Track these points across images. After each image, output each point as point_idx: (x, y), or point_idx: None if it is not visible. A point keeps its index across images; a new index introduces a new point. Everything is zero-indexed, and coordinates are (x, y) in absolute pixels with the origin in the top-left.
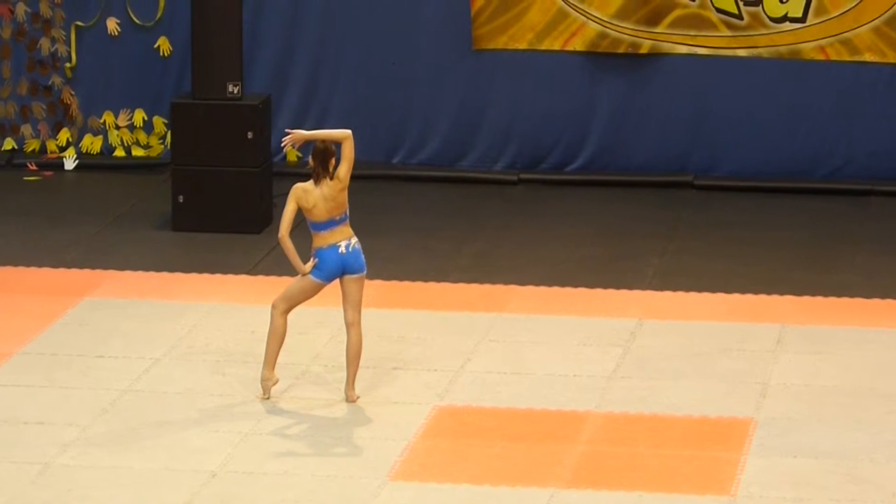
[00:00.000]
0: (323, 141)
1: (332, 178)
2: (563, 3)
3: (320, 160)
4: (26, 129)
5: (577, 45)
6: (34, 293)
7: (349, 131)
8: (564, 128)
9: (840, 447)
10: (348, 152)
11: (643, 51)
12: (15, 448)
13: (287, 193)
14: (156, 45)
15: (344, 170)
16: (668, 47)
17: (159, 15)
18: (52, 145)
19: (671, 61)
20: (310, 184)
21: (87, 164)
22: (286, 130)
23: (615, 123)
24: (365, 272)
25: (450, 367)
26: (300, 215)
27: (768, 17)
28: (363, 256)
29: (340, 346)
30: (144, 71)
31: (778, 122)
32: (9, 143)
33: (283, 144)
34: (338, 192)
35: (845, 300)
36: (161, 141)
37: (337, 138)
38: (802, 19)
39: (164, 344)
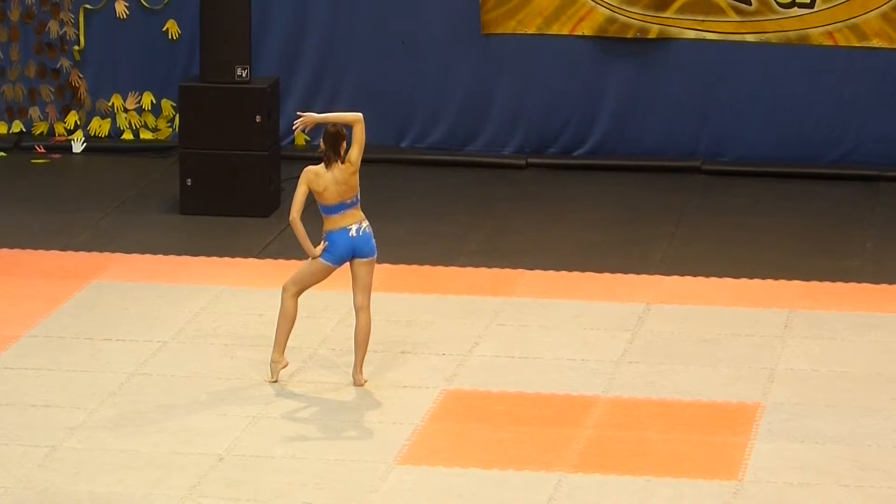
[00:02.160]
0: (334, 124)
1: (343, 162)
2: None
3: (331, 143)
4: (34, 112)
5: (586, 29)
6: (42, 276)
7: (360, 114)
8: (573, 112)
9: (847, 433)
10: (360, 135)
11: (652, 36)
12: (22, 431)
13: (296, 177)
14: (164, 28)
15: (355, 153)
16: (676, 32)
17: None
18: (60, 128)
19: (680, 46)
20: (321, 167)
21: (95, 147)
22: (297, 112)
23: (623, 108)
24: (375, 256)
25: (458, 351)
26: (310, 198)
27: (777, 2)
28: (374, 240)
29: (349, 330)
30: (153, 54)
31: (786, 108)
32: (17, 126)
33: (294, 127)
34: (349, 176)
35: (853, 286)
36: (169, 124)
37: (348, 121)
38: (811, 5)
39: (172, 327)
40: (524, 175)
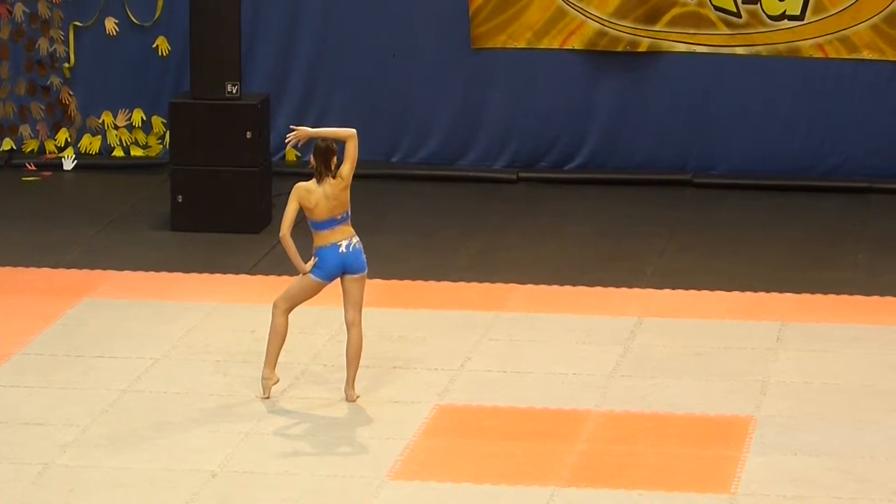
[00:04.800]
0: (325, 139)
1: (334, 177)
2: (561, 1)
3: (322, 159)
4: (25, 130)
5: (576, 43)
6: (33, 294)
7: (353, 130)
8: (563, 126)
9: (840, 445)
10: (352, 151)
11: (642, 49)
12: (15, 449)
13: (286, 193)
14: (154, 45)
15: (347, 169)
16: (666, 45)
17: (158, 15)
18: (50, 145)
19: (670, 59)
20: (312, 183)
21: (85, 164)
22: (291, 126)
23: (614, 122)
24: (366, 272)
25: (450, 366)
26: (301, 214)
27: (767, 14)
28: (364, 256)
29: (340, 346)
30: (143, 71)
31: (776, 120)
32: (7, 144)
33: (287, 141)
34: (340, 191)
35: (845, 298)
36: (160, 141)
37: (341, 137)
38: (801, 17)
39: (163, 344)
40: (515, 189)
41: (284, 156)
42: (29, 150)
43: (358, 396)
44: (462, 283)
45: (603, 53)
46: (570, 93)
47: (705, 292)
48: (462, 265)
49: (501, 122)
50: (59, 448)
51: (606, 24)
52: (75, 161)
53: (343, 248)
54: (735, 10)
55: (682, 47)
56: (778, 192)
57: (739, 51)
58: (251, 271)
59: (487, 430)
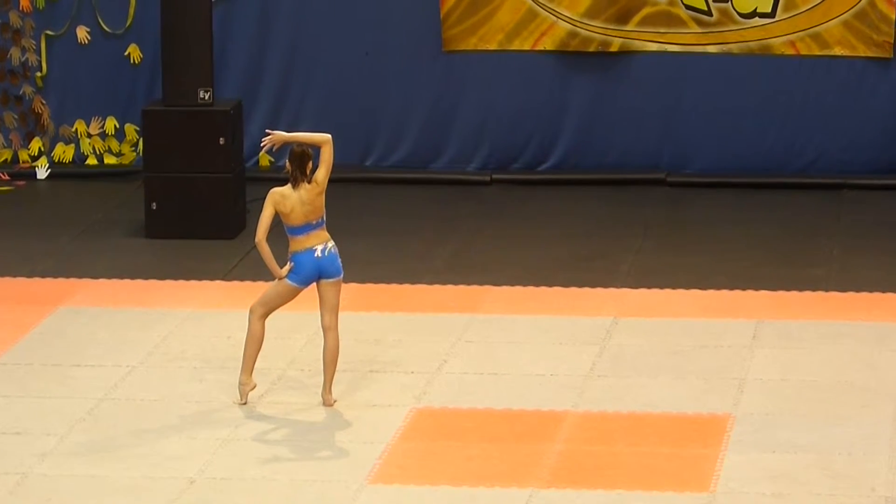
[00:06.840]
0: (300, 144)
1: (309, 182)
2: (532, 2)
3: (298, 164)
4: None
5: (548, 44)
6: (8, 303)
7: (329, 135)
8: (536, 127)
9: (818, 442)
10: (327, 156)
11: (613, 49)
12: None
13: (261, 198)
14: (126, 53)
15: (322, 174)
16: (638, 45)
17: (129, 22)
18: (23, 155)
19: (642, 59)
20: (287, 188)
21: (59, 172)
22: (266, 131)
23: (587, 122)
24: (341, 276)
25: (426, 369)
26: (277, 219)
27: (737, 12)
28: (340, 260)
29: (317, 350)
30: (115, 78)
31: (749, 118)
32: None
33: (262, 144)
34: (315, 196)
35: (820, 294)
36: (133, 148)
37: (316, 142)
38: (772, 14)
39: (140, 351)
40: (489, 191)
41: (258, 161)
42: (2, 159)
43: (335, 401)
44: (437, 286)
45: (574, 54)
46: (543, 94)
47: (680, 291)
48: (437, 268)
49: (474, 125)
50: (36, 457)
51: (578, 24)
52: (49, 170)
53: (318, 253)
54: (706, 8)
55: (653, 46)
56: (751, 189)
57: (711, 49)
58: (227, 277)
59: (465, 433)
